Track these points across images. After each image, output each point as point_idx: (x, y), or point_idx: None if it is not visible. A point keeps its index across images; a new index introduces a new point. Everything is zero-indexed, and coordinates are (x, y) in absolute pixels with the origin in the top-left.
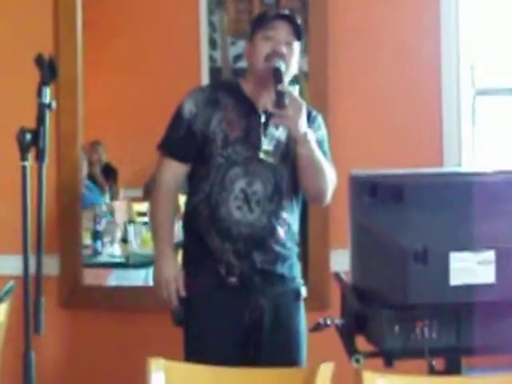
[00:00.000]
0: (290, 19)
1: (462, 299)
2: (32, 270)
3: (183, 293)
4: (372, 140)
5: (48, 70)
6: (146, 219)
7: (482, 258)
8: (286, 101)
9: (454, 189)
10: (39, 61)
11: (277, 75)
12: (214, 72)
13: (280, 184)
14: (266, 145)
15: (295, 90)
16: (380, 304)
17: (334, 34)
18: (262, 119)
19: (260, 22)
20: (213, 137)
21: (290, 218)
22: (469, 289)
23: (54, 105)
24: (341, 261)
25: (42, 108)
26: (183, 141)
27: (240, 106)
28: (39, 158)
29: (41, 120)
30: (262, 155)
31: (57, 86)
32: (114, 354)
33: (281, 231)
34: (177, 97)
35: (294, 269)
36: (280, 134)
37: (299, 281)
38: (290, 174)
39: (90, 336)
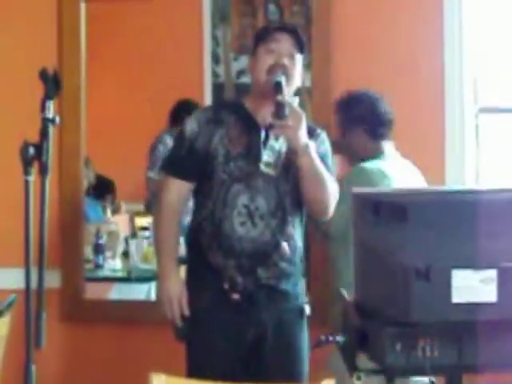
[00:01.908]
0: (292, 32)
1: (464, 317)
2: (34, 283)
3: (187, 312)
4: None
5: (52, 84)
6: (147, 233)
7: (484, 277)
8: (286, 112)
9: (457, 207)
10: (43, 75)
11: (277, 88)
12: (217, 87)
13: (283, 199)
14: (267, 157)
15: (295, 102)
16: (382, 321)
17: (336, 49)
18: (263, 135)
19: (262, 36)
20: (215, 154)
21: (295, 233)
22: (471, 307)
23: (57, 119)
24: None
25: (45, 122)
26: (186, 160)
27: (242, 123)
28: (42, 172)
29: (44, 134)
30: (262, 167)
31: (60, 100)
32: (115, 369)
33: (285, 246)
34: None
35: (299, 286)
36: (280, 145)
37: (303, 298)
38: (292, 188)
39: (91, 350)
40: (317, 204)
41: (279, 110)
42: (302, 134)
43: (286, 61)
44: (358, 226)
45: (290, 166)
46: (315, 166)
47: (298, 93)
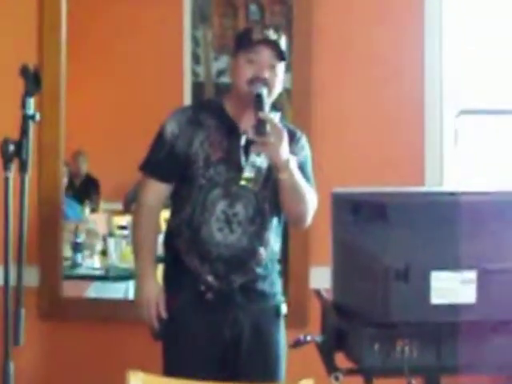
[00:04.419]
0: (273, 43)
1: (443, 318)
2: (12, 281)
3: (164, 314)
4: (354, 158)
5: (33, 81)
6: (125, 232)
7: (464, 278)
8: (267, 128)
9: (437, 208)
10: (24, 72)
11: (258, 102)
12: (197, 87)
13: (262, 206)
14: (248, 172)
15: (276, 117)
16: (360, 321)
17: (317, 51)
18: (243, 140)
19: (243, 43)
20: (195, 158)
21: (272, 238)
22: (450, 308)
23: (37, 116)
24: (320, 278)
25: (25, 119)
26: (165, 162)
27: (222, 127)
28: (22, 169)
29: (24, 131)
30: (243, 182)
31: (40, 96)
32: (93, 367)
33: (262, 252)
34: (160, 111)
35: (275, 285)
36: (262, 161)
37: (280, 297)
38: (272, 195)
39: (69, 348)
40: (296, 216)
41: (260, 126)
42: (283, 150)
43: (266, 73)
44: (336, 226)
45: (270, 177)
46: (295, 181)
47: (279, 98)
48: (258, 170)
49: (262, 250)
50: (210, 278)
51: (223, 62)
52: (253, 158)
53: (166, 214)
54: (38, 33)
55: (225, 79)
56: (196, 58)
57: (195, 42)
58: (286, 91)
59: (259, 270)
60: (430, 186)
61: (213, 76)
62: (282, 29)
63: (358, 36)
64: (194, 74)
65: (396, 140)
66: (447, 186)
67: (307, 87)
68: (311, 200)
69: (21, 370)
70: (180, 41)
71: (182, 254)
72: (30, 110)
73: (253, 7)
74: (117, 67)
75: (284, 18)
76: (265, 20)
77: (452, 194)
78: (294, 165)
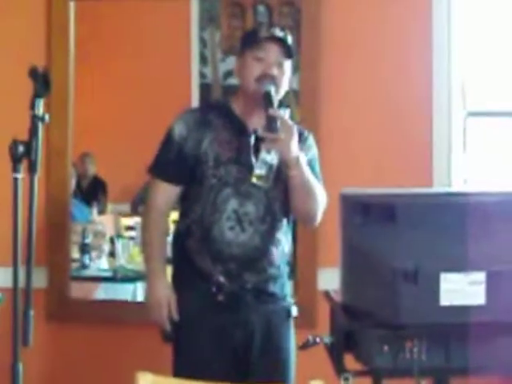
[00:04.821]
0: (280, 39)
1: (452, 320)
2: (21, 282)
3: (176, 316)
4: (362, 159)
5: (42, 82)
6: (133, 233)
7: (473, 280)
8: (278, 125)
9: (447, 209)
10: (33, 73)
11: (267, 100)
12: (204, 88)
13: (272, 205)
14: (259, 169)
15: (286, 114)
16: (370, 323)
17: (326, 52)
18: (252, 139)
19: (250, 42)
20: (205, 158)
21: (283, 238)
22: (459, 309)
23: (47, 117)
24: (329, 279)
25: (35, 120)
26: (174, 163)
27: (231, 126)
28: (31, 169)
29: (33, 132)
30: (254, 180)
31: (48, 98)
32: (101, 368)
33: (274, 252)
34: (167, 112)
35: (286, 288)
36: (272, 158)
37: (290, 300)
38: (282, 194)
39: (77, 349)
40: (305, 213)
41: (271, 123)
42: (294, 146)
43: (274, 71)
44: (346, 228)
45: (281, 175)
46: (305, 178)
47: (286, 103)
48: (269, 167)
49: (274, 250)
50: (221, 279)
51: (230, 63)
52: (263, 155)
53: (173, 216)
54: (46, 35)
55: (232, 81)
56: (203, 59)
57: (203, 43)
58: (294, 92)
59: (271, 271)
60: (438, 187)
61: (220, 77)
62: (289, 30)
63: (366, 37)
64: (202, 75)
65: (404, 141)
66: (456, 187)
67: (315, 88)
68: (321, 197)
69: (29, 371)
70: (187, 42)
71: (193, 254)
72: (40, 111)
73: (261, 8)
74: (124, 68)
75: (292, 19)
76: (273, 21)
77: (460, 195)
78: (304, 161)
